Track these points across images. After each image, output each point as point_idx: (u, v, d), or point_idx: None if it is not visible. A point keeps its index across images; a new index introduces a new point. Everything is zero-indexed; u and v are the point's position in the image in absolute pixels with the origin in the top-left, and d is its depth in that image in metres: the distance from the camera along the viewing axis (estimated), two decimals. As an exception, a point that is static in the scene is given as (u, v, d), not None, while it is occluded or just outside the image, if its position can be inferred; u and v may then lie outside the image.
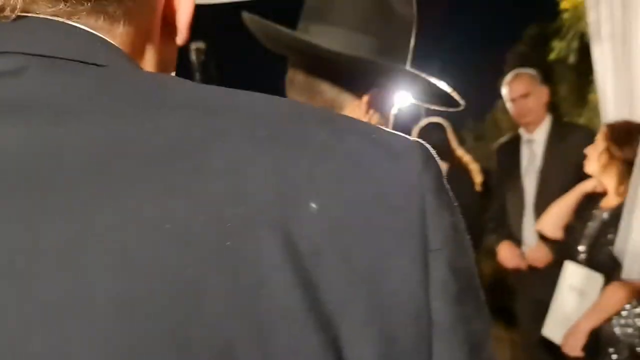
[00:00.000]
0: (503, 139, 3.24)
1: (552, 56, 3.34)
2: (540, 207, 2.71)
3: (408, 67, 0.97)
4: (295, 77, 0.94)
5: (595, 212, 2.23)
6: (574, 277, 2.21)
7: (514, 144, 2.97)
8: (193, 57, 7.88)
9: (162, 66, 0.48)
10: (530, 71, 2.97)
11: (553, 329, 2.28)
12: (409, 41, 0.97)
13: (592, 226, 2.22)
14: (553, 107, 7.55)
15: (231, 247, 0.34)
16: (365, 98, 0.92)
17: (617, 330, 2.03)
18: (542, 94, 2.86)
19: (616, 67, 2.52)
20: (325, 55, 0.87)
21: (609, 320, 2.03)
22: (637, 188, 1.92)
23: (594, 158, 2.22)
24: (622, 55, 2.49)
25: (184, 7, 0.47)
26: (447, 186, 0.43)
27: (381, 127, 0.44)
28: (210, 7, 3.15)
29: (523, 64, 3.56)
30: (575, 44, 3.16)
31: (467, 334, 0.41)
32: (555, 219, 2.46)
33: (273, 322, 0.34)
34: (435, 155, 0.44)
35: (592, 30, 2.67)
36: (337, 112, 0.45)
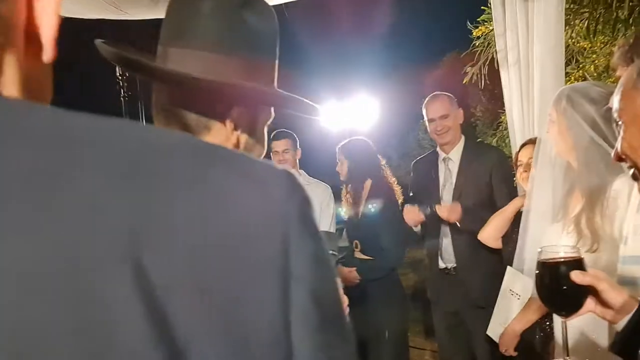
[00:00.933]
0: (420, 157, 3.39)
1: (465, 80, 3.58)
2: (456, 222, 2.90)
3: (274, 83, 0.97)
4: (158, 102, 0.92)
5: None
6: (513, 282, 2.39)
7: (431, 162, 3.13)
8: (118, 71, 7.72)
9: (29, 85, 0.45)
10: (448, 94, 3.12)
11: (495, 330, 2.45)
12: (273, 56, 0.96)
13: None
14: (469, 127, 8.02)
15: (80, 286, 0.33)
16: (230, 120, 0.89)
17: (538, 333, 2.20)
18: (458, 115, 3.04)
19: (521, 91, 2.75)
20: (184, 81, 0.85)
21: (536, 322, 2.19)
22: (528, 212, 2.09)
23: (523, 177, 2.37)
24: (527, 81, 2.72)
25: (46, 23, 0.45)
26: (313, 214, 0.44)
27: (249, 155, 0.45)
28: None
29: (442, 87, 3.79)
30: (485, 70, 3.40)
31: None
32: (494, 230, 2.62)
33: (123, 358, 0.33)
34: (300, 183, 0.44)
35: (499, 57, 2.90)
36: (204, 141, 0.45)
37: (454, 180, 2.98)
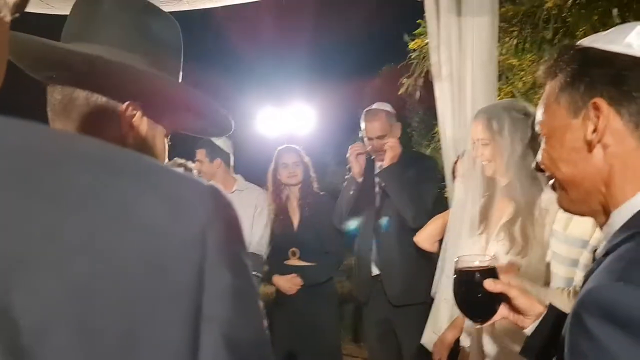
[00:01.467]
0: None
1: (401, 91, 3.66)
2: (383, 231, 2.93)
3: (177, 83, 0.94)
4: (52, 97, 0.87)
5: None
6: (448, 290, 2.39)
7: (368, 171, 3.13)
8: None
9: None
10: (387, 107, 3.09)
11: (429, 338, 2.47)
12: (178, 67, 0.94)
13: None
14: (405, 136, 8.24)
15: None
16: (128, 110, 0.85)
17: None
18: (397, 130, 3.06)
19: (453, 104, 2.83)
20: (95, 63, 0.82)
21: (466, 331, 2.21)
22: (453, 222, 2.15)
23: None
24: (459, 94, 2.80)
25: None
26: (237, 240, 0.39)
27: (168, 167, 0.39)
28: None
29: (379, 98, 3.84)
30: (421, 81, 3.49)
31: None
32: (431, 234, 2.67)
33: None
34: (229, 203, 0.39)
35: (434, 70, 2.97)
36: (110, 145, 0.38)
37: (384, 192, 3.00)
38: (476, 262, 1.22)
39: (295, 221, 3.39)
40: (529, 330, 1.16)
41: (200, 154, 3.51)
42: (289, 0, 3.05)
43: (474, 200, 2.02)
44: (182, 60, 0.96)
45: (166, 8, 2.91)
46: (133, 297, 0.32)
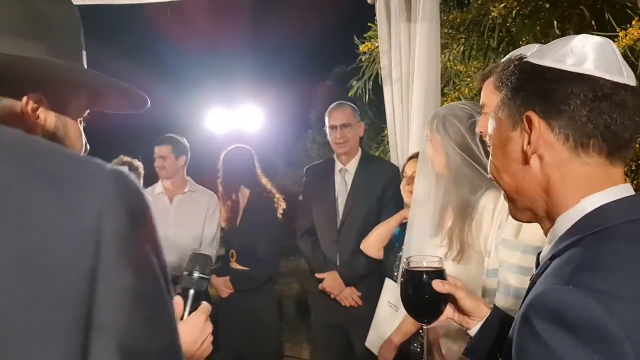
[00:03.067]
0: (316, 163, 3.37)
1: (350, 93, 3.68)
2: (345, 231, 2.96)
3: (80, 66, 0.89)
4: None
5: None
6: (391, 294, 2.43)
7: (327, 171, 3.13)
8: None
9: None
10: (352, 105, 3.16)
11: (373, 342, 2.48)
12: (78, 47, 0.89)
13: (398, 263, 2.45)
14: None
15: None
16: (29, 104, 0.79)
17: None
18: (359, 128, 3.10)
19: (402, 107, 2.88)
20: None
21: (414, 334, 2.26)
22: (410, 225, 2.19)
23: (406, 190, 2.48)
24: (407, 98, 2.85)
25: None
26: (147, 234, 0.33)
27: (60, 148, 0.35)
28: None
29: (330, 99, 3.85)
30: (370, 84, 3.53)
31: None
32: (377, 240, 2.69)
33: None
34: (135, 188, 0.34)
35: (383, 74, 3.01)
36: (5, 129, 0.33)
37: (347, 193, 3.02)
38: (424, 263, 1.25)
39: (236, 224, 3.38)
40: (473, 331, 1.19)
41: (166, 149, 3.43)
42: (240, -2, 3.02)
43: (430, 199, 2.06)
44: (82, 39, 0.90)
45: (112, 1, 2.82)
46: (3, 304, 0.27)
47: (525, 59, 0.92)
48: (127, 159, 3.59)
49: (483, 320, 1.18)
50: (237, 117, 10.26)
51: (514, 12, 2.89)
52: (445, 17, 3.21)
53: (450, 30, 3.21)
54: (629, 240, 0.79)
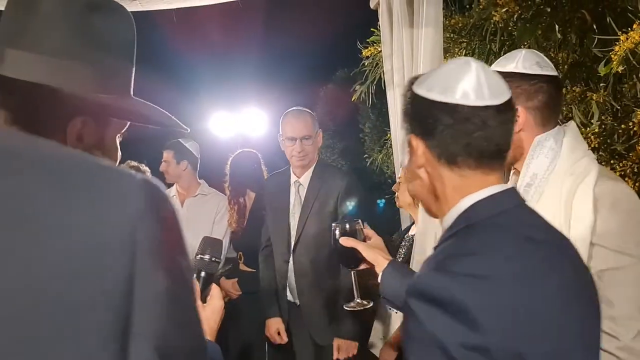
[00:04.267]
0: (277, 172, 3.05)
1: (354, 98, 3.72)
2: (300, 247, 2.75)
3: (130, 91, 0.90)
4: None
5: (407, 237, 2.54)
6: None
7: (284, 182, 2.88)
8: None
9: None
10: (310, 112, 2.85)
11: (375, 345, 2.50)
12: (128, 63, 0.89)
13: (401, 252, 2.51)
14: (358, 143, 8.39)
15: None
16: (71, 131, 0.79)
17: None
18: (319, 138, 2.81)
19: (405, 111, 2.89)
20: (22, 88, 0.75)
21: None
22: (422, 234, 2.21)
23: (402, 193, 2.51)
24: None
25: None
26: (176, 240, 0.35)
27: (93, 159, 0.34)
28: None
29: (333, 103, 3.88)
30: (373, 89, 3.57)
31: None
32: None
33: None
34: (165, 197, 0.34)
35: (386, 78, 3.04)
36: (22, 135, 0.33)
37: (301, 207, 2.79)
38: (346, 225, 1.58)
39: (243, 226, 3.41)
40: (379, 277, 1.45)
41: (168, 155, 3.49)
42: (243, 3, 3.05)
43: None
44: (134, 54, 0.90)
45: (159, 6, 2.86)
46: (45, 307, 0.28)
47: (412, 88, 1.05)
48: (134, 163, 3.63)
49: (383, 268, 1.44)
50: (241, 120, 10.31)
51: (515, 16, 2.92)
52: (447, 22, 3.25)
53: (452, 35, 3.24)
54: (491, 230, 0.95)
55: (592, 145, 2.51)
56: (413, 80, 1.06)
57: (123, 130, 0.93)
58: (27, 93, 0.74)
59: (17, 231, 0.30)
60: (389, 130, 3.22)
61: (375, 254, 1.50)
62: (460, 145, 0.98)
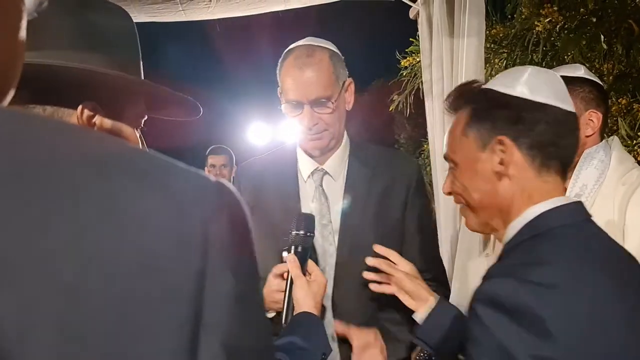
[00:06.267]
0: None
1: (392, 108, 3.70)
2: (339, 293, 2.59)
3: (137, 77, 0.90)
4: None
5: None
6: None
7: (289, 174, 2.53)
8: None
9: None
10: (329, 45, 2.30)
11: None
12: (132, 54, 0.91)
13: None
14: (394, 153, 8.38)
15: None
16: (84, 112, 0.81)
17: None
18: (348, 93, 2.37)
19: (444, 121, 2.87)
20: (40, 71, 0.76)
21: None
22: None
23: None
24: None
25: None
26: (243, 238, 0.36)
27: (171, 161, 0.36)
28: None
29: (369, 112, 3.87)
30: (411, 99, 3.54)
31: None
32: None
33: None
34: (237, 200, 0.36)
35: (425, 88, 3.02)
36: (116, 143, 0.36)
37: (331, 214, 2.46)
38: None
39: None
40: (417, 315, 1.28)
41: (223, 159, 3.57)
42: (283, 14, 3.09)
43: None
44: (138, 49, 0.92)
45: (163, 18, 2.94)
46: (123, 299, 0.30)
47: (486, 87, 1.03)
48: None
49: (431, 308, 1.27)
50: (278, 130, 10.39)
51: (558, 26, 2.87)
52: (487, 32, 3.21)
53: (492, 45, 3.20)
54: (561, 240, 0.92)
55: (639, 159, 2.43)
56: (472, 81, 1.07)
57: (142, 122, 0.93)
58: (43, 75, 0.76)
59: (89, 222, 0.31)
60: (425, 141, 3.19)
61: (417, 287, 1.30)
62: (555, 147, 0.97)
